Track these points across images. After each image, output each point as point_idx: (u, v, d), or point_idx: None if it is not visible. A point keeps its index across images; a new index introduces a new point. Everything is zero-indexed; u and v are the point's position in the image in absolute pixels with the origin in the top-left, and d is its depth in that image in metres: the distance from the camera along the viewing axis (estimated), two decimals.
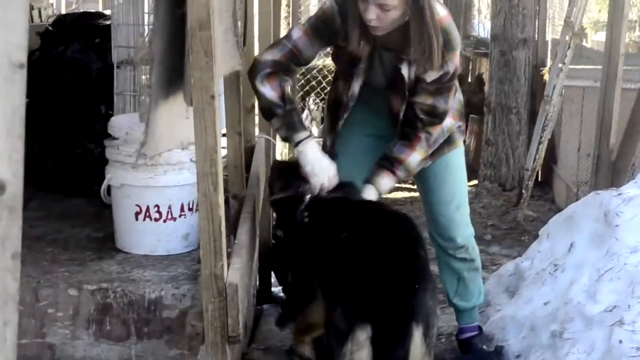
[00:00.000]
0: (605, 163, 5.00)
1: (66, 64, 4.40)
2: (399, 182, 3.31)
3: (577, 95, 6.62)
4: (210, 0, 2.32)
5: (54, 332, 3.36)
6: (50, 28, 4.62)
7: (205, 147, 2.39)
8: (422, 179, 3.42)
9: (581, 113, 6.41)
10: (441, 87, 3.08)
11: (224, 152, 3.11)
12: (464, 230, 3.46)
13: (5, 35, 1.15)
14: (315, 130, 8.98)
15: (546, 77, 6.70)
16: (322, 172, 3.09)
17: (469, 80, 8.67)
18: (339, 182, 3.14)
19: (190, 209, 3.63)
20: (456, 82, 3.27)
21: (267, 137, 4.64)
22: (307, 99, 9.09)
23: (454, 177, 3.42)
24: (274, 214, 3.32)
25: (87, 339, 3.37)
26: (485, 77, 7.77)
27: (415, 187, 7.40)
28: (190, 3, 2.31)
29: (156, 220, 3.58)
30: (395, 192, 7.22)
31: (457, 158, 3.41)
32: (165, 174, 3.57)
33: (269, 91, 3.06)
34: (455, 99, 3.28)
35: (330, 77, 8.41)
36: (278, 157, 3.19)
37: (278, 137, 4.39)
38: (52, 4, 7.13)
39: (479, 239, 3.91)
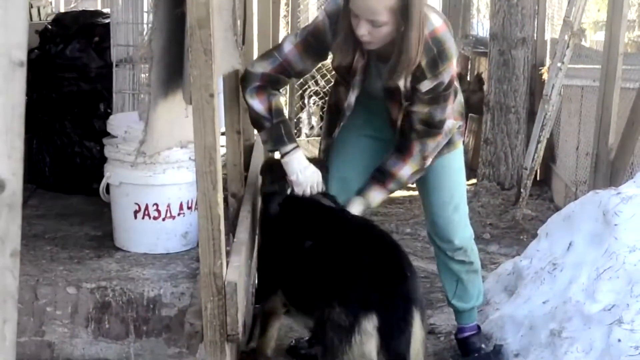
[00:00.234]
0: (604, 162, 5.00)
1: (65, 62, 4.40)
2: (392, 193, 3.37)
3: (576, 95, 6.62)
4: None
5: (52, 331, 3.36)
6: (49, 26, 4.62)
7: (205, 146, 2.39)
8: (421, 180, 3.42)
9: (580, 112, 6.41)
10: (437, 96, 3.08)
11: (223, 150, 3.11)
12: (462, 231, 3.46)
13: (5, 34, 1.15)
14: (315, 123, 8.96)
15: (545, 76, 6.69)
16: (305, 181, 3.16)
17: (468, 79, 8.66)
18: (322, 193, 3.22)
19: (189, 208, 3.63)
20: (456, 83, 3.27)
21: None
22: (305, 97, 9.08)
23: (452, 179, 3.42)
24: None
25: (86, 337, 3.37)
26: (484, 76, 7.77)
27: (413, 186, 7.43)
28: (190, 2, 2.31)
29: (155, 218, 3.58)
30: None
31: (456, 159, 3.41)
32: (164, 173, 3.57)
33: (257, 104, 3.12)
34: (456, 100, 3.29)
35: (329, 76, 8.40)
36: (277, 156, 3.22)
37: None
38: (51, 3, 7.11)
39: (477, 237, 3.91)
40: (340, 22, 3.00)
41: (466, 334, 3.61)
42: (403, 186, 3.34)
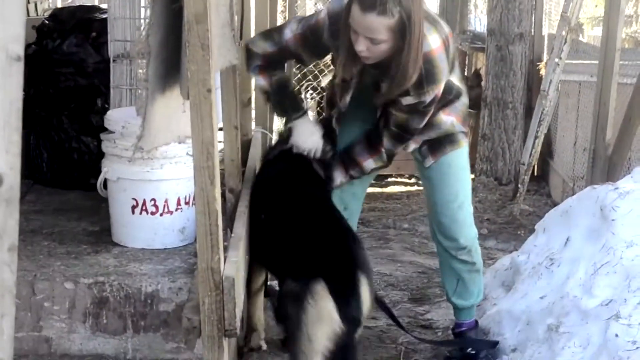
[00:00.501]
0: (601, 157, 5.00)
1: (62, 57, 4.40)
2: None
3: (573, 90, 6.62)
4: None
5: (50, 326, 3.36)
6: (46, 22, 4.62)
7: (202, 141, 2.39)
8: (426, 178, 3.45)
9: (577, 108, 6.41)
10: (415, 110, 3.12)
11: (220, 145, 3.11)
12: (467, 231, 3.46)
13: (2, 27, 1.14)
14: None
15: (542, 71, 6.69)
16: (305, 145, 3.25)
17: (466, 75, 8.66)
18: (320, 159, 3.30)
19: (186, 203, 3.63)
20: (462, 85, 3.29)
21: (264, 130, 4.64)
22: (302, 92, 9.08)
23: (456, 177, 3.42)
24: None
25: (84, 332, 3.38)
26: (482, 72, 7.76)
27: (411, 182, 7.44)
28: None
29: (153, 213, 3.58)
30: (392, 187, 7.23)
31: (460, 158, 3.41)
32: (161, 168, 3.57)
33: (261, 80, 3.30)
34: (460, 102, 3.31)
35: (326, 72, 8.39)
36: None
37: (275, 131, 4.45)
38: None
39: None
40: (340, 36, 3.02)
41: (464, 329, 3.62)
42: (363, 175, 3.40)
